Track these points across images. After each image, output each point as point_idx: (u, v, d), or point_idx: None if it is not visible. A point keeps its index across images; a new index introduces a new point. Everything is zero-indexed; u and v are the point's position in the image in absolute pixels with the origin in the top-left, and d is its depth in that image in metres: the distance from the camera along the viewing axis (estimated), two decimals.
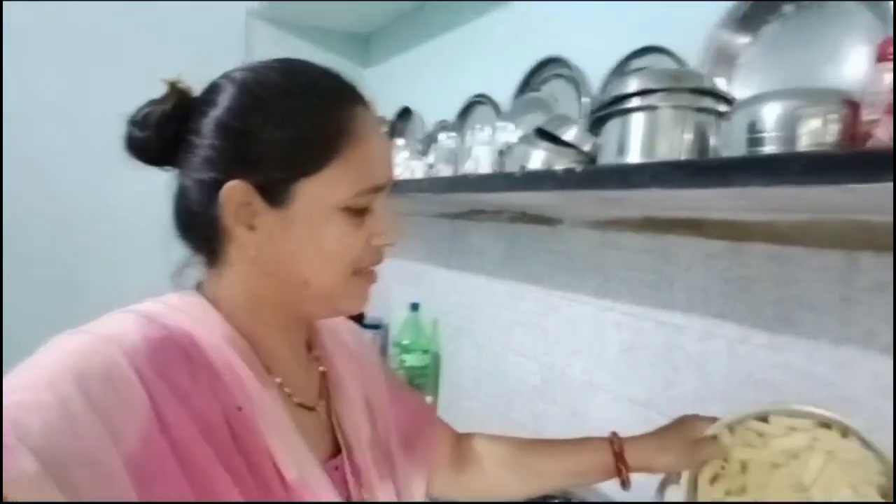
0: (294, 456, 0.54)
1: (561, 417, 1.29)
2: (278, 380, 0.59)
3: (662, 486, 0.84)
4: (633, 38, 1.12)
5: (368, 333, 1.86)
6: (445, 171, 1.33)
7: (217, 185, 0.53)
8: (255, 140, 0.53)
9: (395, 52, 2.06)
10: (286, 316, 0.60)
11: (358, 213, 0.56)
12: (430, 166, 1.42)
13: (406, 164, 1.48)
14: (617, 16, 1.20)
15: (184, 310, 0.55)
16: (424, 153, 1.50)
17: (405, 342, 1.67)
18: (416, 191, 1.21)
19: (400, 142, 1.59)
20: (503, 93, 1.47)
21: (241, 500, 0.49)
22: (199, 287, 0.60)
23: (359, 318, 1.94)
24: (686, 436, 0.73)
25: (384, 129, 0.59)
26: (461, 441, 0.83)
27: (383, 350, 1.87)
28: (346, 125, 0.55)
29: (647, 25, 1.12)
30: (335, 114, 0.55)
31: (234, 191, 0.53)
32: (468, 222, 1.62)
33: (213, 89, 0.56)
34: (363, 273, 0.59)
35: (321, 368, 0.67)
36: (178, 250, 0.60)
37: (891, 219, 0.77)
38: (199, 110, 0.55)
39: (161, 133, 0.55)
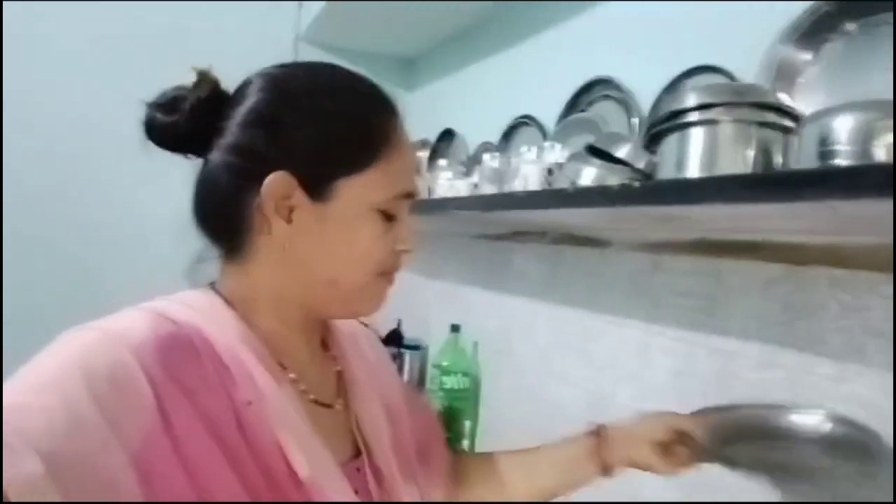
0: (307, 453, 0.53)
1: None
2: (292, 375, 0.59)
3: None
4: (682, 58, 1.10)
5: (407, 353, 1.85)
6: (490, 190, 1.32)
7: (255, 175, 0.53)
8: (301, 134, 0.54)
9: (440, 75, 2.08)
10: (306, 313, 0.61)
11: (389, 217, 0.58)
12: (475, 186, 1.41)
13: (450, 183, 1.48)
14: (665, 35, 1.19)
15: (195, 307, 0.55)
16: (468, 174, 1.50)
17: (445, 364, 1.65)
18: (460, 208, 1.20)
19: (442, 162, 1.59)
20: (548, 114, 1.46)
21: (247, 498, 0.48)
22: (213, 285, 0.60)
23: (397, 338, 1.93)
24: (658, 433, 0.77)
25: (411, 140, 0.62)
26: (454, 460, 0.84)
27: (422, 371, 1.85)
28: (388, 131, 0.58)
29: (697, 44, 1.10)
30: (379, 119, 0.58)
31: (278, 182, 0.53)
32: (510, 244, 1.60)
33: (253, 82, 0.57)
34: (385, 276, 0.60)
35: (337, 368, 0.67)
36: (191, 247, 0.60)
37: None
38: (238, 100, 0.56)
39: (194, 119, 0.55)
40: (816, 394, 0.88)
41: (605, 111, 1.30)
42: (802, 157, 0.66)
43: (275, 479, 0.50)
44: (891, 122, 0.60)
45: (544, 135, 1.47)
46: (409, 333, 1.98)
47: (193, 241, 0.60)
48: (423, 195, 1.60)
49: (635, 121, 1.19)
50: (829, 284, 0.87)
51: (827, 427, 0.79)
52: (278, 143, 0.54)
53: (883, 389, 0.81)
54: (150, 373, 0.47)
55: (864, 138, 0.61)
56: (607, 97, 1.30)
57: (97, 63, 1.83)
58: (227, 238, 0.59)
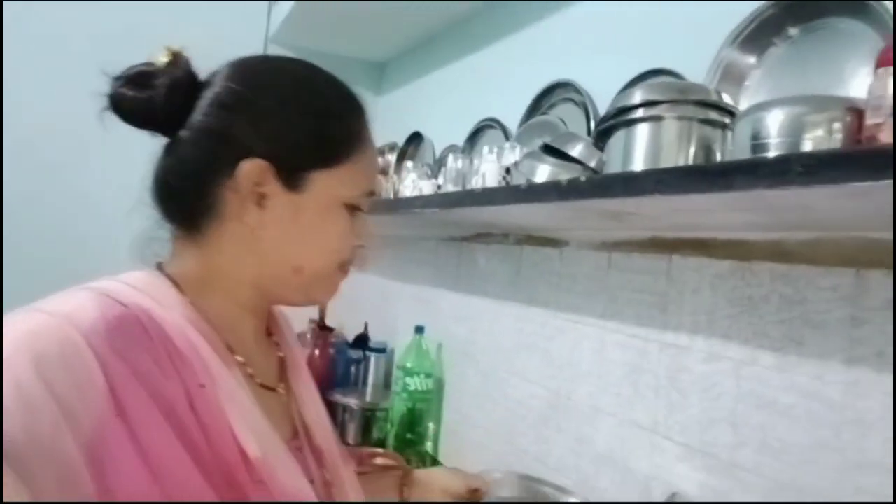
0: (257, 434, 0.53)
1: (566, 444, 1.26)
2: (240, 359, 0.59)
3: None
4: (639, 61, 1.13)
5: (372, 356, 1.85)
6: (453, 190, 1.33)
7: (229, 159, 0.54)
8: (280, 123, 0.56)
9: (409, 79, 2.10)
10: (258, 297, 0.62)
11: (354, 211, 0.61)
12: (439, 187, 1.43)
13: (415, 184, 1.49)
14: (622, 39, 1.22)
15: (142, 288, 0.55)
16: (434, 176, 1.52)
17: (409, 365, 1.65)
18: (422, 206, 1.21)
19: (409, 164, 1.60)
20: (513, 117, 1.48)
21: (199, 477, 0.48)
22: (160, 266, 0.60)
23: (363, 342, 1.93)
24: (454, 486, 0.91)
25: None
26: None
27: (387, 374, 1.85)
28: (360, 130, 0.61)
29: (653, 48, 1.13)
30: (354, 117, 0.61)
31: (255, 168, 0.55)
32: (475, 245, 1.62)
33: (228, 68, 0.58)
34: (343, 268, 0.63)
35: (280, 354, 0.69)
36: (139, 225, 0.60)
37: None
38: (212, 84, 0.57)
39: (169, 97, 0.55)
40: (759, 384, 0.90)
41: (565, 113, 1.32)
42: (737, 150, 0.69)
43: (226, 460, 0.51)
44: (819, 117, 0.63)
45: (507, 137, 1.49)
46: (376, 336, 1.98)
47: (142, 219, 0.60)
48: (389, 196, 1.61)
49: (593, 123, 1.22)
50: (771, 279, 0.90)
51: None
52: (256, 130, 0.55)
53: (820, 378, 0.83)
54: (101, 355, 0.47)
55: (794, 132, 0.64)
56: (567, 100, 1.32)
57: (62, 61, 1.82)
58: (189, 218, 0.58)
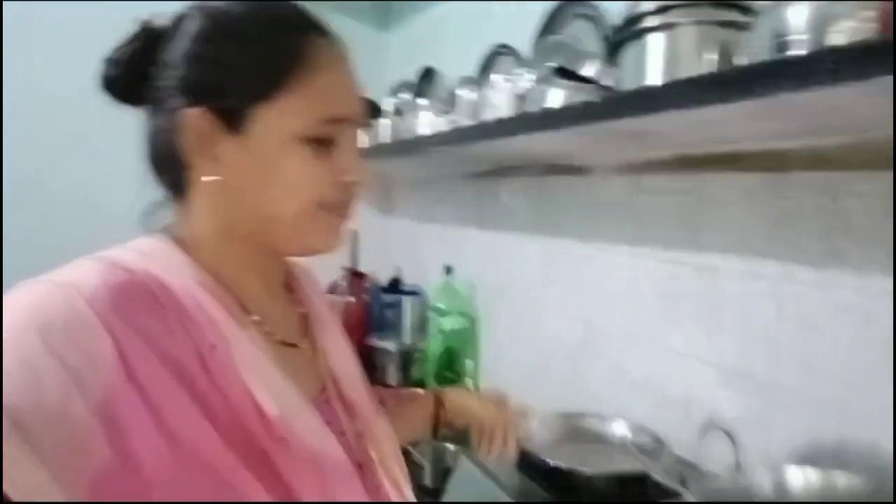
0: (275, 393, 0.52)
1: (602, 374, 1.25)
2: (256, 318, 0.58)
3: (703, 432, 0.80)
4: None
5: (406, 299, 1.85)
6: (467, 124, 1.28)
7: (179, 114, 0.53)
8: (213, 66, 0.53)
9: (416, 12, 2.01)
10: (257, 253, 0.59)
11: (321, 145, 0.55)
12: (454, 122, 1.38)
13: (430, 123, 1.45)
14: None
15: (148, 253, 0.54)
16: (448, 111, 1.46)
17: (441, 306, 1.65)
18: (436, 144, 1.17)
19: (422, 102, 1.55)
20: (526, 41, 1.40)
21: (217, 438, 0.48)
22: (166, 230, 0.59)
23: (396, 286, 1.94)
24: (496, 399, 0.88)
25: (348, 61, 0.58)
26: None
27: (422, 316, 1.85)
28: (301, 53, 0.54)
29: None
30: (288, 40, 0.55)
31: (195, 119, 0.52)
32: (497, 181, 1.58)
33: (176, 21, 0.56)
34: (332, 209, 0.57)
35: (301, 311, 0.67)
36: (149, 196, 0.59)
37: None
38: (162, 43, 0.55)
39: (131, 70, 0.55)
40: (797, 301, 0.86)
41: (578, 31, 1.24)
42: (759, 51, 0.62)
43: (244, 420, 0.50)
44: (848, 6, 0.57)
45: (521, 62, 1.41)
46: (409, 279, 1.98)
47: (151, 189, 0.60)
48: (405, 136, 1.57)
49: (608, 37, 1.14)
50: (806, 189, 0.84)
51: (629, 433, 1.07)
52: (195, 78, 0.53)
53: (858, 292, 0.79)
54: (106, 321, 0.46)
55: (820, 26, 0.57)
56: (580, 16, 1.24)
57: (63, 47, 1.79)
58: (170, 181, 0.58)
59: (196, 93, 0.53)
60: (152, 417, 0.45)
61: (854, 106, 0.61)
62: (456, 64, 1.75)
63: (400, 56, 2.09)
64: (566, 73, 0.95)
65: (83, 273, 0.49)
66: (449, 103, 1.54)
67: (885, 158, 0.75)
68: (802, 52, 0.57)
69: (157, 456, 0.45)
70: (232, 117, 0.53)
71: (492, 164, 1.53)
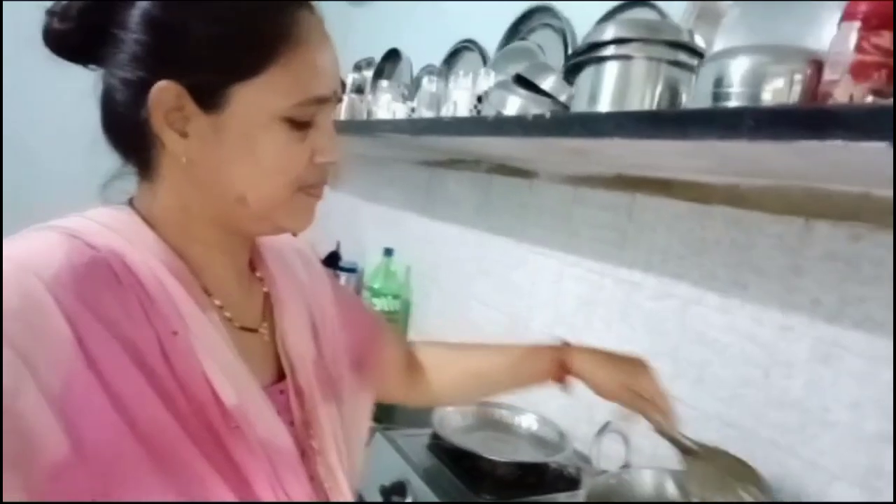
0: (234, 381, 0.52)
1: None
2: (218, 302, 0.56)
3: (601, 432, 0.87)
4: None
5: (343, 275, 1.87)
6: (426, 115, 1.31)
7: (145, 85, 0.49)
8: (188, 37, 0.49)
9: None
10: (223, 233, 0.57)
11: (300, 126, 0.53)
12: (413, 110, 1.41)
13: (388, 106, 1.47)
14: None
15: (113, 227, 0.51)
16: (410, 98, 1.49)
17: (376, 286, 1.68)
18: (391, 131, 1.20)
19: (384, 83, 1.57)
20: (491, 40, 1.44)
21: (175, 426, 0.47)
22: (131, 202, 0.56)
23: (334, 260, 1.95)
24: (631, 372, 0.77)
25: (330, 39, 0.56)
26: (412, 352, 0.84)
27: (357, 293, 1.88)
28: (288, 28, 0.51)
29: None
30: (275, 15, 0.51)
31: (165, 92, 0.49)
32: (447, 171, 1.62)
33: None
34: (307, 190, 0.56)
35: (264, 289, 0.65)
36: (109, 159, 0.56)
37: (848, 188, 0.78)
38: (126, 6, 0.50)
39: (82, 25, 0.51)
40: (702, 323, 0.95)
41: (543, 39, 1.29)
42: (699, 96, 0.69)
43: (202, 408, 0.49)
44: (780, 68, 0.63)
45: (485, 61, 1.46)
46: (347, 256, 2.00)
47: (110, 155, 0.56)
48: (363, 116, 1.58)
49: (570, 51, 1.20)
50: (724, 223, 0.92)
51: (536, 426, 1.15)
52: (164, 49, 0.50)
53: (758, 321, 0.87)
54: (65, 306, 0.44)
55: (755, 82, 0.64)
56: (547, 25, 1.29)
57: None
58: (132, 154, 0.55)
59: (166, 64, 0.49)
60: (112, 404, 0.44)
61: (771, 158, 0.68)
62: (421, 49, 1.77)
63: (366, 32, 2.09)
64: (525, 83, 0.99)
65: (44, 249, 0.47)
66: (410, 89, 1.57)
67: (794, 206, 0.83)
68: (733, 104, 0.63)
69: (115, 445, 0.44)
70: (207, 94, 0.50)
71: (443, 155, 1.56)
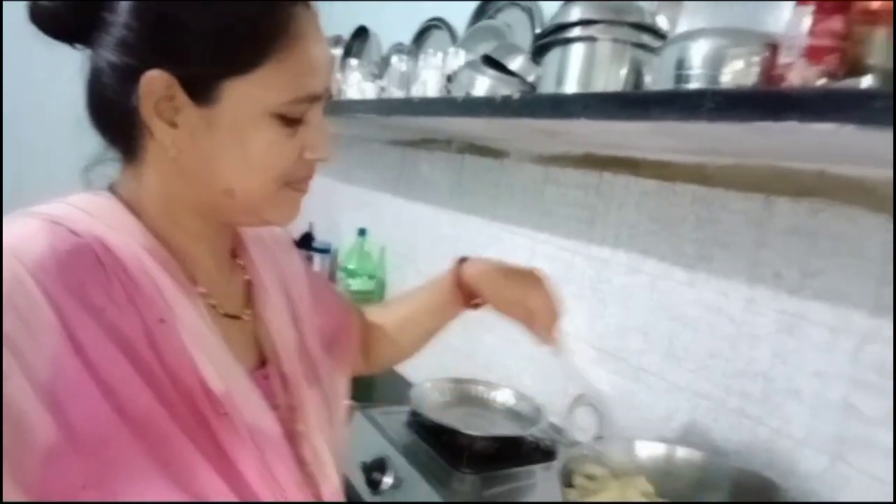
0: (220, 368, 0.52)
1: (495, 343, 1.34)
2: (202, 289, 0.56)
3: (574, 405, 0.90)
4: None
5: (317, 255, 1.87)
6: (397, 94, 1.31)
7: (135, 72, 0.48)
8: (182, 28, 0.49)
9: None
10: (207, 223, 0.57)
11: (291, 122, 0.52)
12: (383, 89, 1.40)
13: (358, 85, 1.46)
14: None
15: (96, 213, 0.51)
16: (379, 76, 1.48)
17: (351, 267, 1.69)
18: (361, 111, 1.19)
19: (353, 62, 1.55)
20: (461, 18, 1.44)
21: (164, 413, 0.48)
22: (113, 187, 0.56)
23: (307, 241, 1.95)
24: (524, 286, 0.80)
25: (325, 36, 0.56)
26: (365, 322, 0.87)
27: (331, 274, 1.89)
28: (284, 24, 0.50)
29: None
30: (273, 10, 0.50)
31: (155, 82, 0.49)
32: (419, 151, 1.62)
33: None
34: (294, 185, 0.56)
35: (246, 277, 0.65)
36: (91, 142, 0.55)
37: (805, 166, 0.81)
38: None
39: (75, 5, 0.50)
40: (670, 297, 0.97)
41: (512, 18, 1.29)
42: (662, 78, 0.70)
43: (190, 395, 0.50)
44: (739, 51, 0.65)
45: (454, 40, 1.45)
46: (320, 237, 1.99)
47: (92, 139, 0.55)
48: (333, 95, 1.57)
49: (538, 30, 1.20)
50: (691, 200, 0.95)
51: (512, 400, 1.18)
52: (159, 38, 0.49)
53: (724, 294, 0.90)
54: (50, 293, 0.44)
55: (715, 64, 0.65)
56: (515, 4, 1.29)
57: None
58: (118, 139, 0.54)
59: (159, 54, 0.49)
60: (101, 392, 0.45)
61: (733, 137, 0.70)
62: (391, 26, 1.75)
63: (335, 8, 2.06)
64: (494, 63, 1.00)
65: (28, 236, 0.47)
66: (380, 68, 1.56)
67: (757, 183, 0.86)
68: (693, 86, 0.65)
69: (106, 431, 0.45)
70: (199, 87, 0.50)
71: (415, 134, 1.56)
